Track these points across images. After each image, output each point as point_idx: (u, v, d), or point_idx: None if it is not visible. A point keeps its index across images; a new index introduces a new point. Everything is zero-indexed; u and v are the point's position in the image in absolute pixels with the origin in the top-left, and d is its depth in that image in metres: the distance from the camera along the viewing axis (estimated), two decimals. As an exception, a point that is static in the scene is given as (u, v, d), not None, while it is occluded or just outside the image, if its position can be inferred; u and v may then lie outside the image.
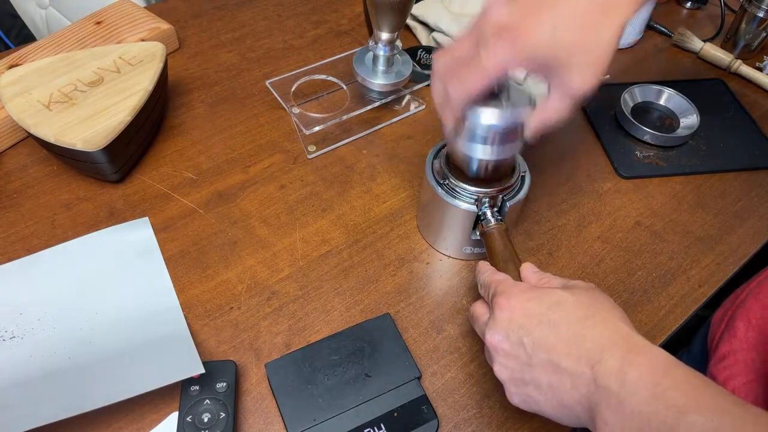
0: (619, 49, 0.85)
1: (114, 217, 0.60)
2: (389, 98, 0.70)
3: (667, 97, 0.75)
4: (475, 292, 0.48)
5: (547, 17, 0.39)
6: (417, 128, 0.71)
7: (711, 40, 0.86)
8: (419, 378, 0.48)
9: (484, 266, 0.47)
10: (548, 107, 0.43)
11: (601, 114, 0.74)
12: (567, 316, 0.38)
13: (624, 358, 0.35)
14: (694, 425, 0.31)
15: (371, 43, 0.64)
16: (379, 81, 0.67)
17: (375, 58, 0.66)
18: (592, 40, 0.40)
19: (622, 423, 0.33)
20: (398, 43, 0.66)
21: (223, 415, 0.44)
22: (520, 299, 0.40)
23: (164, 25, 0.75)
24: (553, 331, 0.38)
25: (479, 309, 0.44)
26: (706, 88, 0.80)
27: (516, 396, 0.40)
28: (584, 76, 0.41)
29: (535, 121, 0.45)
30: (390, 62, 0.67)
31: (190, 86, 0.74)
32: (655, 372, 0.34)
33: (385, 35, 0.62)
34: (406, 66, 0.69)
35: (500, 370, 0.40)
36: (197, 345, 0.46)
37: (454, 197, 0.52)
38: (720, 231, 0.63)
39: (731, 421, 0.30)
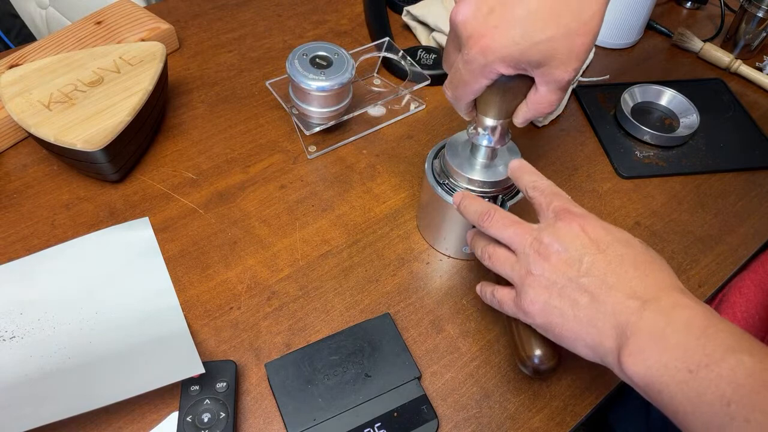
0: (619, 49, 0.85)
1: (114, 217, 0.60)
2: (389, 98, 0.70)
3: (667, 97, 0.75)
4: (474, 292, 0.48)
5: (515, 18, 0.38)
6: (417, 128, 0.71)
7: (711, 40, 0.86)
8: (419, 378, 0.48)
9: (530, 167, 0.47)
10: (539, 100, 0.43)
11: (601, 114, 0.74)
12: (634, 254, 0.38)
13: (678, 301, 0.35)
14: (743, 362, 0.31)
15: (470, 129, 0.50)
16: (476, 177, 0.51)
17: (474, 147, 0.51)
18: (570, 29, 0.38)
19: (661, 353, 0.33)
20: (509, 136, 0.50)
21: (223, 415, 0.44)
22: (592, 223, 0.40)
23: (164, 25, 0.75)
24: (618, 261, 0.38)
25: (513, 223, 0.43)
26: (706, 88, 0.80)
27: (540, 302, 0.39)
28: (567, 68, 0.40)
29: (527, 114, 0.45)
30: (494, 155, 0.51)
31: (190, 86, 0.74)
32: (706, 317, 0.34)
33: (489, 121, 0.48)
34: (513, 154, 0.53)
35: (539, 276, 0.39)
36: (197, 345, 0.46)
37: (454, 197, 0.52)
38: (720, 231, 0.63)
39: None
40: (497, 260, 0.43)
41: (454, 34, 0.42)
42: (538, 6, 0.38)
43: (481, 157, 0.51)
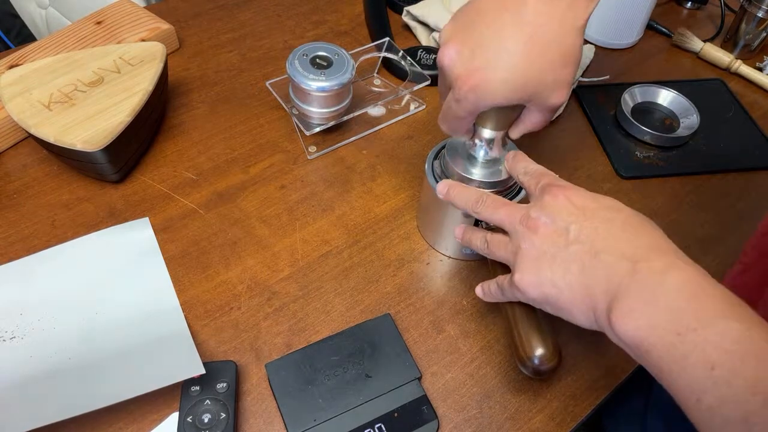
0: (619, 49, 0.85)
1: (114, 217, 0.59)
2: (389, 98, 0.70)
3: (668, 98, 0.75)
4: (474, 292, 0.48)
5: (498, 59, 0.40)
6: (417, 128, 0.71)
7: (711, 40, 0.86)
8: (419, 378, 0.48)
9: (524, 156, 0.48)
10: (534, 120, 0.46)
11: (601, 114, 0.74)
12: (623, 218, 0.39)
13: (671, 263, 0.35)
14: (730, 329, 0.31)
15: (467, 140, 0.51)
16: (477, 177, 0.50)
17: (470, 156, 0.51)
18: (554, 62, 0.40)
19: (651, 314, 0.34)
20: (507, 145, 0.52)
21: (224, 415, 0.44)
22: (578, 193, 0.40)
23: (164, 25, 0.75)
24: (605, 225, 0.38)
25: (504, 204, 0.44)
26: (706, 88, 0.80)
27: (531, 276, 0.39)
28: (557, 95, 0.42)
29: (524, 131, 0.48)
30: (491, 161, 0.52)
31: (190, 86, 0.74)
32: (699, 280, 0.34)
33: (487, 133, 0.49)
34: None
35: (528, 249, 0.40)
36: (197, 345, 0.46)
37: (455, 197, 0.52)
38: (720, 231, 0.63)
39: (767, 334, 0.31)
40: (494, 245, 0.44)
41: (443, 74, 0.44)
42: (517, 47, 0.40)
43: (481, 159, 0.51)
